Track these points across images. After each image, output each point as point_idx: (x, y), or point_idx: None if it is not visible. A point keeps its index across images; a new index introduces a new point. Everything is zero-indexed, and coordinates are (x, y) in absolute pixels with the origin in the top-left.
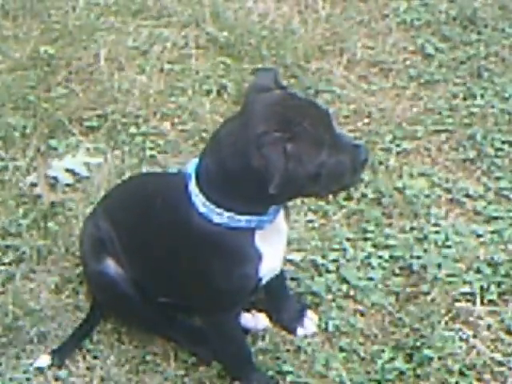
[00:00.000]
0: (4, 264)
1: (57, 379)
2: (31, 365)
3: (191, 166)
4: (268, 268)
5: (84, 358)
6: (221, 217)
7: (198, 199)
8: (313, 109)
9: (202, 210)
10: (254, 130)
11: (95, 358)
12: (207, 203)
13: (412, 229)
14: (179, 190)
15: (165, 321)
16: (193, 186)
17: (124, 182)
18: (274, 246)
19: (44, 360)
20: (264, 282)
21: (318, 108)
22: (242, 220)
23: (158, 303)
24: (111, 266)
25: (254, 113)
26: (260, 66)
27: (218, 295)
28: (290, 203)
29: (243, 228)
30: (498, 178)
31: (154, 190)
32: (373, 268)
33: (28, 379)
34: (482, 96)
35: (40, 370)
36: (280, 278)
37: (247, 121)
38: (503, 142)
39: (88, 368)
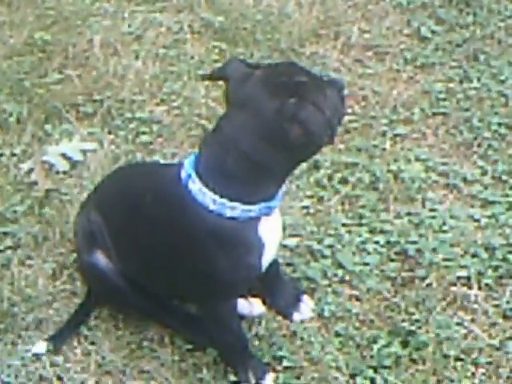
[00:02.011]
0: (0, 250)
1: (53, 365)
2: (28, 351)
3: (188, 166)
4: (269, 255)
5: (80, 343)
6: (234, 210)
7: (207, 197)
8: (290, 66)
9: (212, 207)
10: (269, 110)
11: (92, 343)
12: (218, 199)
13: (408, 213)
14: (176, 189)
15: (159, 309)
16: (196, 185)
17: (114, 174)
18: (272, 234)
19: (41, 346)
20: (264, 269)
21: (293, 64)
22: (254, 209)
23: (151, 293)
24: (101, 258)
25: (256, 99)
26: (253, 51)
27: (222, 287)
28: (285, 189)
29: (250, 218)
30: (494, 162)
31: (146, 185)
32: (369, 253)
33: (24, 365)
34: (479, 79)
35: (37, 356)
36: (274, 263)
37: (255, 108)
38: (500, 125)
39: (84, 354)
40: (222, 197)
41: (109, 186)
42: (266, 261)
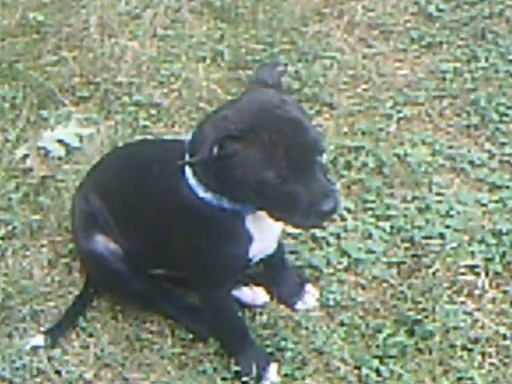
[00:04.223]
0: None
1: (51, 358)
2: (24, 344)
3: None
4: (258, 250)
5: (78, 336)
6: (219, 200)
7: (192, 179)
8: (290, 129)
9: (201, 194)
10: (218, 118)
11: (90, 336)
12: (204, 187)
13: (414, 198)
14: (177, 166)
15: (160, 297)
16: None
17: (113, 152)
18: (265, 231)
19: (38, 340)
20: (254, 261)
21: (299, 133)
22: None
23: (152, 278)
24: (101, 242)
25: (235, 104)
26: (255, 31)
27: (207, 270)
28: None
29: (230, 210)
30: (502, 145)
31: (152, 156)
32: (374, 240)
33: (21, 358)
34: (486, 59)
35: (34, 349)
36: (279, 251)
37: (225, 109)
38: (508, 107)
39: (82, 346)
40: (200, 182)
41: (109, 163)
42: (255, 254)
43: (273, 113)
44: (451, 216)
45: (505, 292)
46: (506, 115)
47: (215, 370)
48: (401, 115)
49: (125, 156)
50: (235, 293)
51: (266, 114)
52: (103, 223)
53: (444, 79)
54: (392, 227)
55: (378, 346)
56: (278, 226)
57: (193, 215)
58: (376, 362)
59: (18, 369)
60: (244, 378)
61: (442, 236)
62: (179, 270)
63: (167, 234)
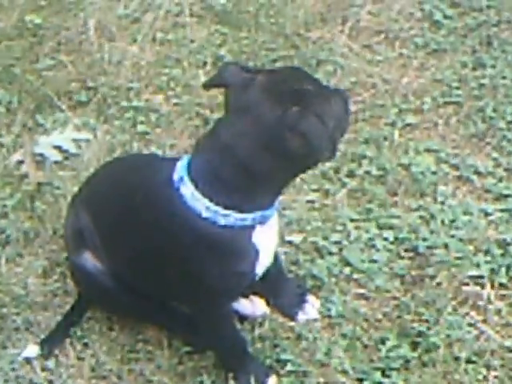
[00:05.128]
0: None
1: (44, 370)
2: (18, 354)
3: (181, 168)
4: (263, 263)
5: (73, 346)
6: (227, 218)
7: (200, 203)
8: (295, 72)
9: (204, 214)
10: (271, 118)
11: (85, 346)
12: (212, 206)
13: (418, 208)
14: (166, 191)
15: (154, 310)
16: (189, 190)
17: (103, 168)
18: (267, 241)
19: (32, 350)
20: (259, 276)
21: (298, 69)
22: (249, 218)
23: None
24: (89, 259)
25: (257, 106)
26: (256, 36)
27: (212, 293)
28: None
29: (245, 226)
30: (509, 154)
31: (135, 185)
32: (377, 250)
33: (14, 370)
34: (493, 66)
35: (27, 359)
36: (276, 261)
37: (256, 116)
38: None
39: (77, 357)
40: (215, 204)
41: (98, 182)
42: (260, 268)
43: (281, 77)
44: (456, 226)
45: (510, 304)
46: None
47: (213, 382)
48: (405, 123)
49: (115, 175)
50: (234, 305)
51: (282, 81)
52: (90, 242)
53: (449, 86)
54: (395, 237)
55: (380, 359)
56: (276, 235)
57: (199, 243)
58: (378, 375)
59: (10, 380)
60: None
61: (446, 246)
62: (174, 295)
63: (164, 263)
